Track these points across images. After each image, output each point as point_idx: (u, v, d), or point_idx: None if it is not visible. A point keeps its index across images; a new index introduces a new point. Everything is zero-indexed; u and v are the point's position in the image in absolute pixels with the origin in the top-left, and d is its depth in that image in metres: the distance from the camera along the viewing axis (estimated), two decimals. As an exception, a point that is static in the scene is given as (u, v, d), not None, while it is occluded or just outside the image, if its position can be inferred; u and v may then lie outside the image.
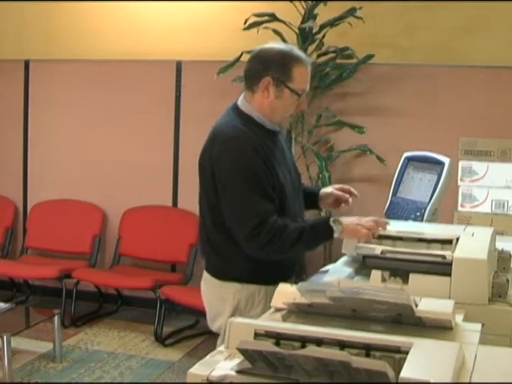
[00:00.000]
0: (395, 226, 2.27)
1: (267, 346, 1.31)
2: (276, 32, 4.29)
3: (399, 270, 2.01)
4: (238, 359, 1.38)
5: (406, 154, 2.92)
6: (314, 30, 4.34)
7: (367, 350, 1.38)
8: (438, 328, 1.56)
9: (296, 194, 2.54)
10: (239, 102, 2.47)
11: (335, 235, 2.31)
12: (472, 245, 2.00)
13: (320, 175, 4.32)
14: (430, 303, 1.61)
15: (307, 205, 2.62)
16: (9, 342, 3.65)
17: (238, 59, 4.30)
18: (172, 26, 5.03)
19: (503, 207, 3.96)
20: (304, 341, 1.42)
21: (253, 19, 4.33)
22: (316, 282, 2.05)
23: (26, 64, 5.45)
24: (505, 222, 3.85)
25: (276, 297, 1.74)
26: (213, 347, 1.50)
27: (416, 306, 1.56)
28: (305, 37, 4.36)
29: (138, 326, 4.87)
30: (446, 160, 2.76)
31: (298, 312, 1.68)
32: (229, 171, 2.34)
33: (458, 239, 2.06)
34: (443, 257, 1.94)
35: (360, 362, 1.22)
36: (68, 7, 5.25)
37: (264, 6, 4.50)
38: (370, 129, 4.46)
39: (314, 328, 1.46)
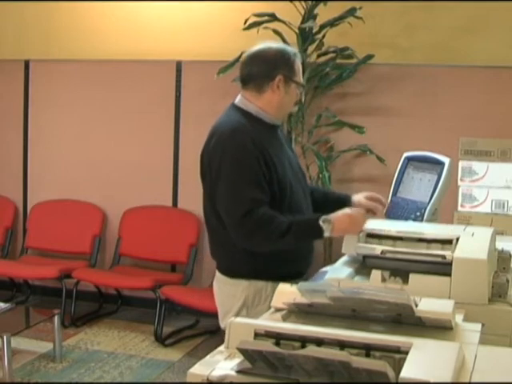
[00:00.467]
0: (395, 226, 2.27)
1: (267, 345, 1.31)
2: (276, 32, 4.29)
3: (399, 270, 2.01)
4: (238, 359, 1.37)
5: (405, 154, 2.91)
6: (314, 30, 4.34)
7: (367, 350, 1.38)
8: (438, 328, 1.56)
9: (301, 190, 2.56)
10: (237, 101, 2.53)
11: (325, 234, 2.35)
12: (472, 245, 2.00)
13: (320, 175, 4.32)
14: (430, 303, 1.61)
15: (334, 209, 2.55)
16: (9, 342, 3.66)
17: (238, 59, 4.29)
18: (172, 26, 5.03)
19: (503, 207, 3.96)
20: (304, 341, 1.42)
21: (253, 19, 4.33)
22: (316, 281, 2.05)
23: (26, 64, 5.45)
24: (505, 221, 3.85)
25: (276, 297, 1.73)
26: (213, 347, 1.50)
27: (416, 306, 1.56)
28: (305, 37, 4.36)
29: (137, 326, 4.87)
30: (446, 160, 2.75)
31: (298, 312, 1.68)
32: (222, 159, 2.38)
33: (457, 239, 2.06)
34: (443, 257, 1.94)
35: (360, 361, 1.22)
36: (68, 7, 5.25)
37: (264, 6, 4.50)
38: (369, 129, 4.46)
39: (314, 328, 1.46)
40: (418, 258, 2.00)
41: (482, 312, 1.79)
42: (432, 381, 1.21)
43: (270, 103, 2.48)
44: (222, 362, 1.39)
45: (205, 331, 4.70)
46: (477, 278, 1.85)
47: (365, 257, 2.13)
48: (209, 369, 1.35)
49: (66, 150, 5.41)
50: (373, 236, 2.19)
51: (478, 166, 4.01)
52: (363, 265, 2.14)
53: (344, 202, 2.64)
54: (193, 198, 5.07)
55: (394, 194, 2.84)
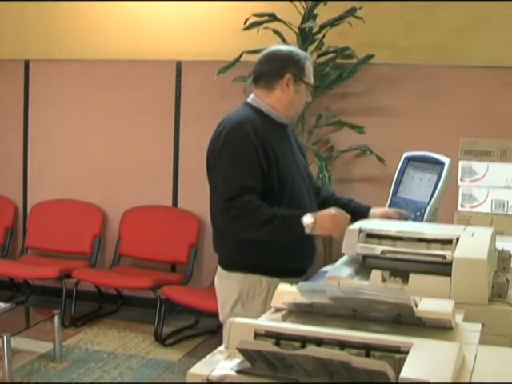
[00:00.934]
0: (395, 226, 2.26)
1: (267, 345, 1.31)
2: (276, 32, 4.29)
3: (399, 270, 2.01)
4: (238, 359, 1.37)
5: (405, 154, 2.92)
6: (314, 30, 4.34)
7: (367, 350, 1.38)
8: (438, 328, 1.56)
9: (306, 190, 2.59)
10: (249, 100, 2.61)
11: (306, 231, 2.39)
12: (472, 245, 1.99)
13: (320, 175, 4.32)
14: (430, 303, 1.61)
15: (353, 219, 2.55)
16: (9, 342, 3.65)
17: (238, 59, 4.30)
18: (172, 26, 5.04)
19: (503, 207, 3.96)
20: (304, 341, 1.41)
21: (253, 19, 4.33)
22: (316, 281, 2.05)
23: (26, 64, 5.45)
24: (505, 221, 3.85)
25: (276, 297, 1.73)
26: (213, 347, 1.49)
27: (416, 306, 1.56)
28: (305, 37, 4.36)
29: (137, 326, 4.87)
30: (446, 160, 2.75)
31: (298, 312, 1.68)
32: (222, 148, 2.45)
33: (457, 239, 2.05)
34: (443, 257, 1.94)
35: (360, 362, 1.22)
36: (68, 7, 5.25)
37: (264, 6, 4.50)
38: (370, 129, 4.46)
39: (314, 328, 1.46)
40: (418, 258, 2.00)
41: (482, 312, 1.79)
42: (432, 381, 1.21)
43: (279, 101, 2.55)
44: (222, 362, 1.39)
45: (205, 331, 4.70)
46: (477, 278, 1.85)
47: (365, 257, 2.13)
48: (209, 369, 1.35)
49: (66, 150, 5.41)
50: (373, 236, 2.19)
51: (478, 166, 4.01)
52: (363, 265, 2.14)
53: (362, 214, 2.64)
54: (193, 198, 5.09)
55: (394, 193, 2.84)
